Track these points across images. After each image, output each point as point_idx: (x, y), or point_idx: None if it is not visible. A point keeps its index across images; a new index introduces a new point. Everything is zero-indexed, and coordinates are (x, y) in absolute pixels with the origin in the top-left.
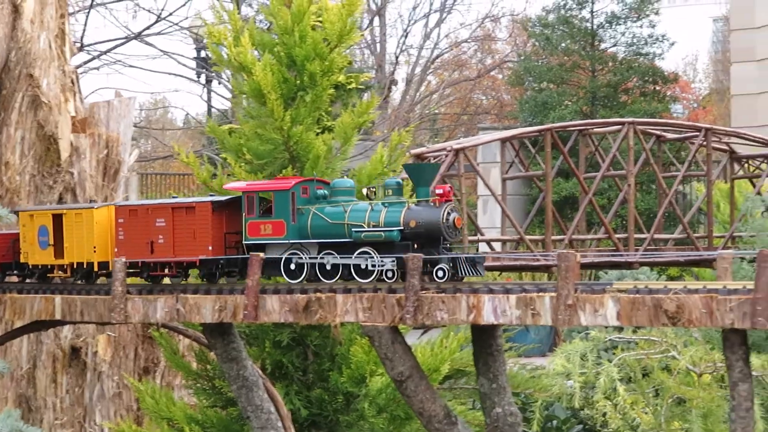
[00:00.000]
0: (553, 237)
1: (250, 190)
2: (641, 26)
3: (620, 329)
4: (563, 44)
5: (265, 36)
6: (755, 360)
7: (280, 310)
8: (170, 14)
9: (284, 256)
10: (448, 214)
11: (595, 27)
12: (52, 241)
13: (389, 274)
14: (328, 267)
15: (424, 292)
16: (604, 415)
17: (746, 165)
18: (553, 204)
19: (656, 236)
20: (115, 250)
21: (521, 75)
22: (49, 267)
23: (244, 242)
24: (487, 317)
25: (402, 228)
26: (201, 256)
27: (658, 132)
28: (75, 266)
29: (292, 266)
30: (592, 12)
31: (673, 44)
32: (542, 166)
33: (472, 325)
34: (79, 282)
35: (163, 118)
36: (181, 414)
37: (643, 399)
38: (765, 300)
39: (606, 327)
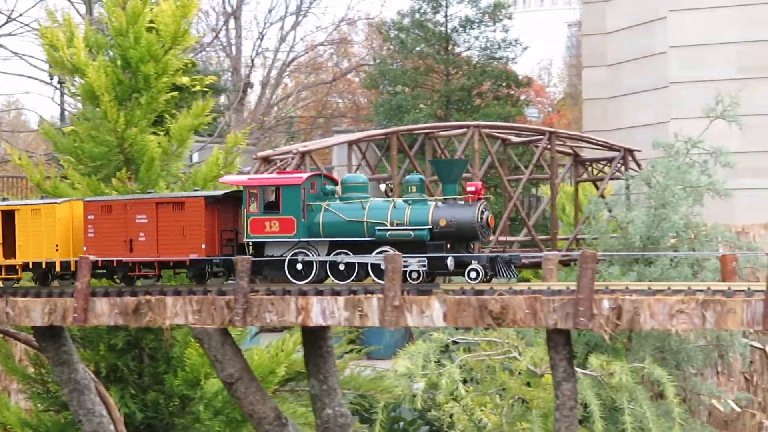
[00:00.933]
0: None
1: (253, 184)
2: (495, 30)
3: (468, 330)
4: (418, 48)
5: (100, 37)
6: (594, 360)
7: (110, 312)
8: (20, 15)
9: (289, 257)
10: (482, 212)
11: (449, 31)
12: (0, 240)
13: (414, 275)
14: (341, 267)
15: (253, 294)
16: (451, 416)
17: (590, 168)
18: None
19: (501, 239)
20: (84, 248)
21: (376, 78)
22: None
23: (245, 240)
24: (316, 319)
25: (431, 227)
26: (192, 255)
27: (503, 135)
28: (31, 266)
29: (299, 266)
30: (446, 16)
31: (526, 48)
32: (389, 169)
33: (302, 327)
34: (34, 283)
35: (17, 120)
36: (14, 419)
37: (490, 400)
38: (587, 300)
39: (446, 328)
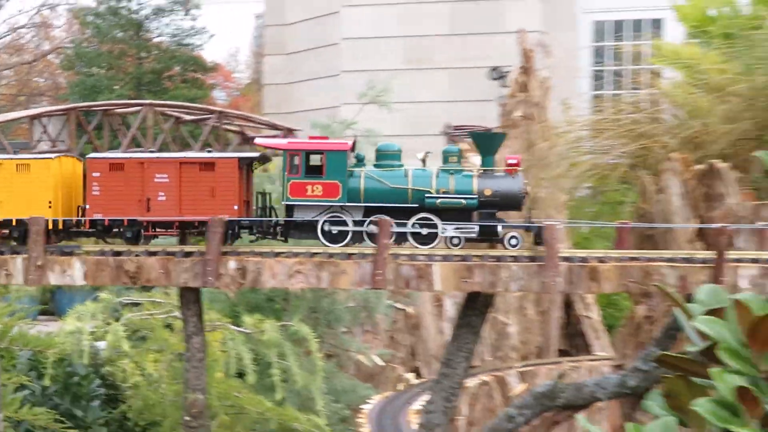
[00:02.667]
0: None
1: (296, 148)
2: (183, 19)
3: (136, 290)
4: (113, 33)
5: None
6: (247, 319)
7: None
8: None
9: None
10: (525, 184)
11: (142, 18)
12: None
13: (455, 241)
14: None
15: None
16: (124, 371)
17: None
18: None
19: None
20: (86, 207)
21: (73, 60)
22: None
23: (283, 203)
24: None
25: (478, 196)
26: (224, 216)
27: (176, 114)
28: (15, 223)
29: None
30: (140, 4)
31: (212, 36)
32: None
33: None
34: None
35: None
36: None
37: (162, 356)
38: (214, 261)
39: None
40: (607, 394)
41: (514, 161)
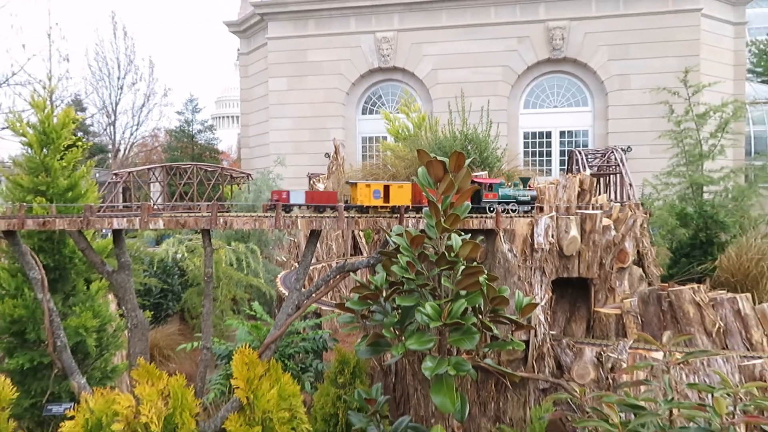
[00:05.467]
0: None
1: (483, 182)
2: (212, 133)
3: (195, 232)
4: (182, 139)
5: None
6: (233, 243)
7: None
8: None
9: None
10: (534, 192)
11: (194, 132)
12: (382, 196)
13: (517, 212)
14: (512, 208)
15: None
16: (186, 264)
17: None
18: None
19: None
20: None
21: (167, 148)
22: (373, 207)
23: (483, 202)
24: None
25: (529, 197)
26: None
27: (204, 168)
28: (394, 207)
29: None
30: (194, 127)
31: (221, 141)
32: None
33: None
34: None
35: None
36: None
37: (199, 258)
38: None
39: None
40: (363, 264)
41: (530, 185)
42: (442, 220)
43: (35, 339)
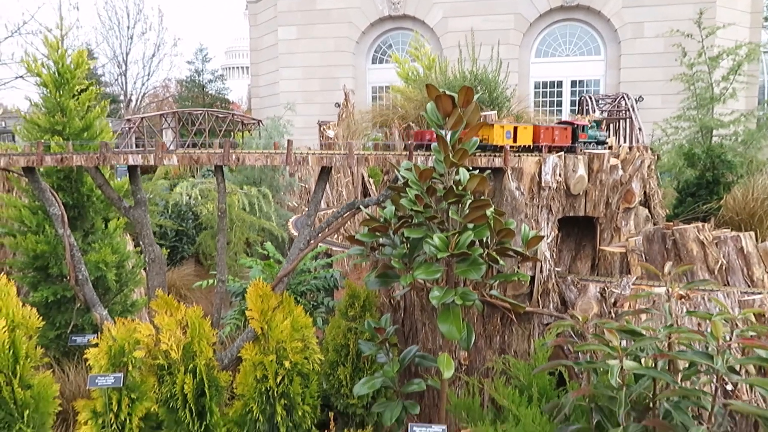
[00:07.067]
0: None
1: (578, 124)
2: (223, 82)
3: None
4: (192, 89)
5: None
6: (245, 187)
7: None
8: None
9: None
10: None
11: (205, 82)
12: (512, 136)
13: (600, 148)
14: (594, 146)
15: None
16: (200, 208)
17: None
18: None
19: None
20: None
21: (177, 99)
22: (502, 146)
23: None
24: None
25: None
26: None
27: (215, 114)
28: (521, 146)
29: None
30: (204, 77)
31: (231, 91)
32: None
33: None
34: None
35: None
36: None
37: (213, 202)
38: None
39: None
40: (372, 201)
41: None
42: (451, 154)
43: (57, 273)
